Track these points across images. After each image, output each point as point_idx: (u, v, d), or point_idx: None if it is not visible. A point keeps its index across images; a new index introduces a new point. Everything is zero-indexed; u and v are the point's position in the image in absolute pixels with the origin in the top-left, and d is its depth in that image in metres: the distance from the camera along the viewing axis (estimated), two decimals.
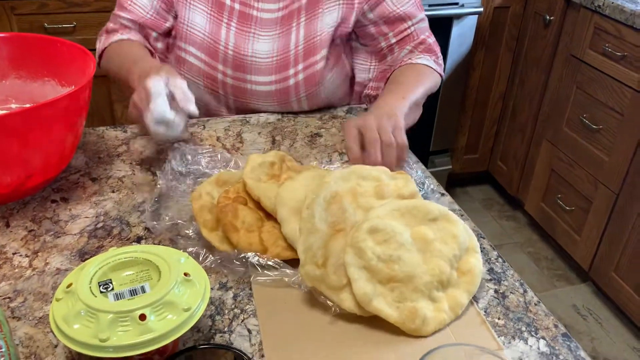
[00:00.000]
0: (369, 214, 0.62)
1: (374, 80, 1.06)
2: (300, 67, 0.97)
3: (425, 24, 1.04)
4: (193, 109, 0.77)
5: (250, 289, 0.63)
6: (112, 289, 0.50)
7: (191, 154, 0.84)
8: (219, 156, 0.84)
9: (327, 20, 0.97)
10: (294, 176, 0.74)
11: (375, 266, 0.59)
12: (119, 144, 0.90)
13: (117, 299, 0.49)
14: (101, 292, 0.49)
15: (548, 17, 1.94)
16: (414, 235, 0.62)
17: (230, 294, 0.62)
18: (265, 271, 0.64)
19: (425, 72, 1.00)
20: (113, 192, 0.79)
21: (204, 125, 0.97)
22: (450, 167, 2.31)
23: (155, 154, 0.88)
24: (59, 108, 0.69)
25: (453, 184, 2.45)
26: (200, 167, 0.82)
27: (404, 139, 0.79)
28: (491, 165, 2.41)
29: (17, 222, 0.72)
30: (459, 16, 1.97)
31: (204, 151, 0.84)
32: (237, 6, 0.96)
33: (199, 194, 0.72)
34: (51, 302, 0.59)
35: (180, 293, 0.50)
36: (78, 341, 0.46)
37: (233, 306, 0.61)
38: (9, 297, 0.61)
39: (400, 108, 0.86)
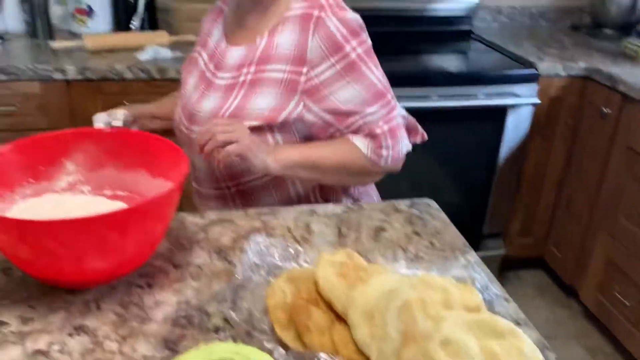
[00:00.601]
0: (439, 326, 0.65)
1: None
2: (252, 69, 1.06)
3: (378, 115, 1.05)
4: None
5: None
6: None
7: (265, 246, 0.89)
8: (291, 249, 0.89)
9: (259, 102, 1.04)
10: (364, 278, 0.78)
11: None
12: (197, 230, 0.96)
13: None
14: None
15: (605, 110, 1.97)
16: (483, 349, 0.64)
17: None
18: None
19: (350, 150, 1.05)
20: (193, 279, 0.84)
21: (274, 215, 1.03)
22: (503, 251, 2.29)
23: (231, 242, 0.94)
24: (156, 204, 0.76)
25: (506, 268, 2.42)
26: (274, 260, 0.87)
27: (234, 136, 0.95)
28: (545, 251, 2.38)
29: (107, 306, 0.78)
30: (515, 106, 2.02)
31: (277, 244, 0.89)
32: (208, 74, 1.12)
33: (272, 291, 0.77)
34: None
35: None
36: None
37: None
38: None
39: (283, 149, 1.02)
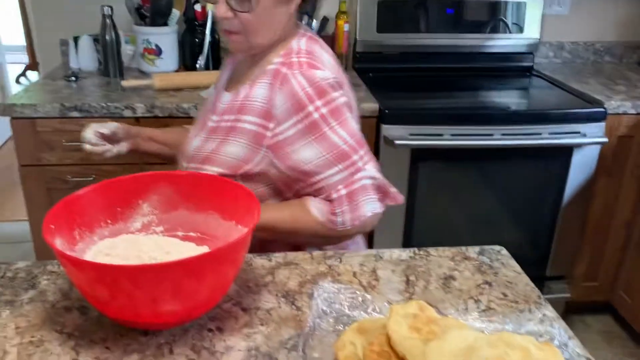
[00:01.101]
0: None
1: None
2: (230, 117, 1.08)
3: (338, 177, 1.04)
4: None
5: None
6: None
7: (332, 292, 0.88)
8: (359, 298, 0.88)
9: (230, 150, 1.06)
10: (438, 332, 0.76)
11: None
12: (265, 273, 0.97)
13: None
14: None
15: None
16: None
17: None
18: None
19: (303, 214, 1.05)
20: (262, 325, 0.84)
21: (340, 259, 1.02)
22: (568, 294, 2.20)
23: (298, 287, 0.93)
24: (232, 248, 0.77)
25: (570, 312, 2.31)
26: (342, 308, 0.86)
27: None
28: (613, 296, 2.27)
29: (180, 350, 0.79)
30: (581, 145, 1.95)
31: (345, 291, 0.88)
32: (206, 116, 1.16)
33: (342, 343, 0.76)
34: None
35: None
36: None
37: None
38: None
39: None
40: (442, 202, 2.02)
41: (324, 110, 1.02)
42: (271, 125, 1.03)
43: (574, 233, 2.13)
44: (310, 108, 1.02)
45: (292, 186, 1.08)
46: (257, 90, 1.05)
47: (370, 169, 1.08)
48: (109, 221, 0.93)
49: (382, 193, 1.11)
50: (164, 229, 0.97)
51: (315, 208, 1.05)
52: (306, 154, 1.03)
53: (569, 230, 2.11)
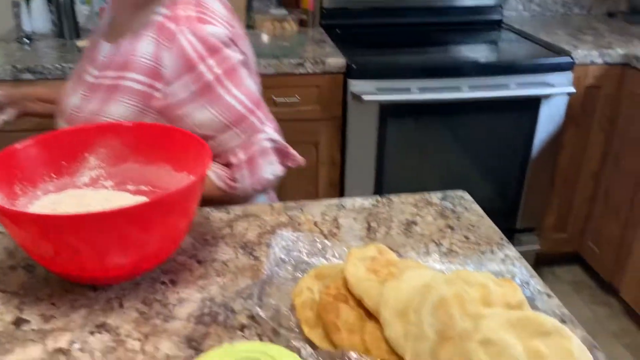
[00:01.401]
0: (479, 324, 0.60)
1: None
2: (112, 74, 0.99)
3: (236, 141, 0.99)
4: None
5: None
6: None
7: (291, 240, 0.86)
8: (318, 244, 0.85)
9: (117, 111, 0.97)
10: (396, 273, 0.74)
11: None
12: (223, 225, 0.94)
13: None
14: None
15: None
16: (527, 349, 0.59)
17: None
18: None
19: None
20: (218, 276, 0.81)
21: (301, 209, 0.99)
22: (538, 246, 2.22)
23: (257, 238, 0.90)
24: (179, 197, 0.73)
25: (540, 264, 2.34)
26: (301, 255, 0.84)
27: None
28: (581, 246, 2.30)
29: (130, 303, 0.76)
30: (549, 96, 1.94)
31: (304, 239, 0.86)
32: (81, 68, 1.07)
33: (299, 289, 0.73)
34: None
35: None
36: None
37: None
38: None
39: None
40: (412, 158, 2.00)
41: (217, 70, 0.95)
42: (160, 85, 0.95)
43: (543, 185, 2.13)
44: (202, 68, 0.93)
45: None
46: (142, 46, 0.96)
47: (269, 131, 1.03)
48: (54, 175, 0.88)
49: (283, 155, 1.06)
50: (114, 183, 0.92)
51: (214, 174, 1.00)
52: (200, 117, 0.96)
53: (538, 182, 2.11)
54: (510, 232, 2.17)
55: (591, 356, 0.63)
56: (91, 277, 0.76)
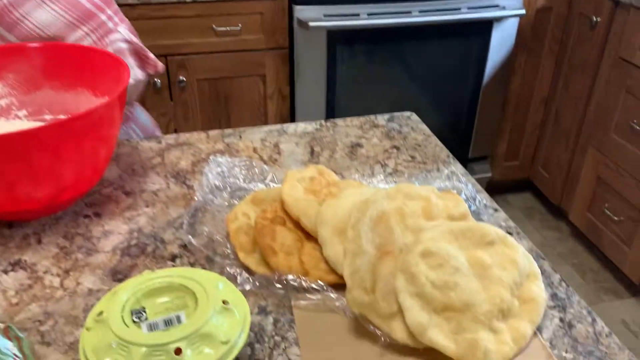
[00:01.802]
0: (420, 236, 0.57)
1: None
2: None
3: (87, 41, 0.88)
4: None
5: (292, 314, 0.59)
6: (146, 318, 0.46)
7: (227, 166, 0.80)
8: (256, 169, 0.80)
9: None
10: (336, 193, 0.70)
11: (429, 293, 0.53)
12: (153, 155, 0.87)
13: (151, 330, 0.45)
14: (134, 321, 0.46)
15: (595, 19, 1.86)
16: (470, 259, 0.56)
17: (270, 319, 0.58)
18: (307, 294, 0.60)
19: None
20: (147, 206, 0.75)
21: (240, 136, 0.93)
22: (490, 174, 2.23)
23: (190, 166, 0.84)
24: (93, 120, 0.66)
25: (492, 191, 2.36)
26: (237, 181, 0.79)
27: None
28: (532, 173, 2.32)
29: (49, 239, 0.69)
30: (500, 19, 1.89)
31: (240, 164, 0.80)
32: None
33: (234, 215, 0.68)
34: (81, 325, 0.56)
35: (219, 323, 0.46)
36: None
37: (273, 333, 0.56)
38: (39, 320, 0.58)
39: None
40: (363, 87, 1.94)
41: None
42: None
43: (495, 112, 2.12)
44: None
45: None
46: None
47: (123, 31, 0.92)
48: None
49: (141, 59, 0.96)
50: (28, 112, 0.84)
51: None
52: (41, 17, 0.84)
53: (490, 109, 2.10)
54: (463, 162, 2.17)
55: (536, 265, 0.61)
56: (2, 212, 0.68)
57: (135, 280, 0.50)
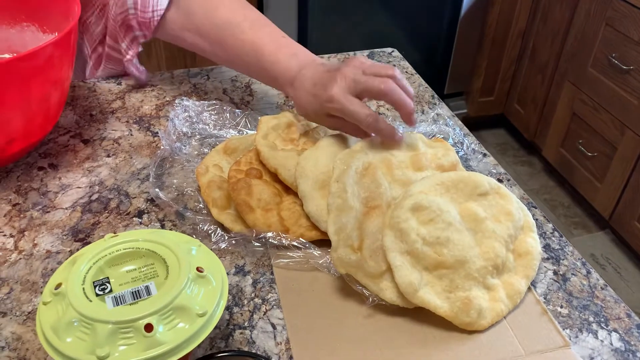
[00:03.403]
0: (409, 189, 0.52)
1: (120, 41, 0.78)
2: None
3: None
4: None
5: (272, 273, 0.55)
6: (110, 290, 0.41)
7: (195, 111, 0.73)
8: (227, 114, 0.73)
9: None
10: (317, 142, 0.64)
11: (420, 250, 0.50)
12: (113, 98, 0.79)
13: (117, 304, 0.40)
14: (97, 294, 0.41)
15: None
16: (463, 213, 0.52)
17: (249, 279, 0.54)
18: (288, 252, 0.56)
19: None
20: (108, 156, 0.69)
21: (207, 76, 0.86)
22: (465, 110, 2.20)
23: (154, 111, 0.77)
24: (40, 60, 0.58)
25: (467, 127, 2.34)
26: (207, 127, 0.72)
27: (395, 71, 0.58)
28: (507, 108, 2.30)
29: (0, 195, 0.63)
30: None
31: (209, 108, 0.74)
32: None
33: (205, 167, 0.62)
34: (40, 292, 0.51)
35: (193, 294, 0.41)
36: (72, 358, 0.38)
37: (253, 295, 0.52)
38: None
39: (310, 53, 0.68)
40: (336, 20, 1.85)
41: None
42: None
43: (471, 47, 2.06)
44: None
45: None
46: None
47: None
48: None
49: None
50: None
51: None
52: None
53: (466, 44, 2.03)
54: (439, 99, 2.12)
55: (530, 215, 0.57)
56: None
57: (96, 245, 0.45)
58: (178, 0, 0.73)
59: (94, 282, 0.41)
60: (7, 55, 0.75)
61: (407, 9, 1.89)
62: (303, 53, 0.66)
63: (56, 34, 0.72)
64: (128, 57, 0.77)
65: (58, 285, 0.41)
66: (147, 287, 0.41)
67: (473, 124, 2.34)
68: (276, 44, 0.67)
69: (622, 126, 1.71)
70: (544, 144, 2.11)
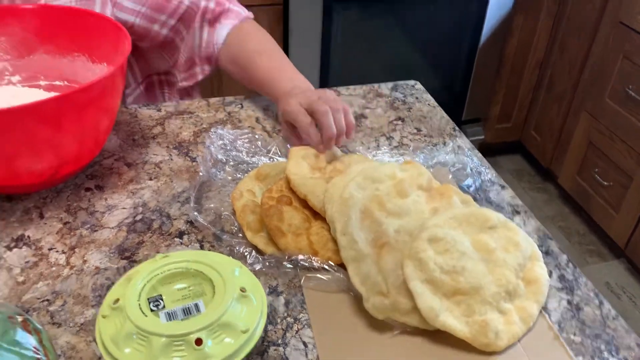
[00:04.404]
0: (424, 223, 0.57)
1: (181, 72, 0.95)
2: None
3: None
4: None
5: (302, 294, 0.59)
6: (164, 306, 0.46)
7: (230, 139, 0.78)
8: (259, 142, 0.78)
9: None
10: (342, 169, 0.69)
11: (438, 278, 0.54)
12: (153, 124, 0.85)
13: (170, 319, 0.44)
14: (151, 310, 0.45)
15: None
16: (475, 244, 0.56)
17: (282, 299, 0.58)
18: (317, 274, 0.60)
19: (256, 27, 0.93)
20: (150, 179, 0.74)
21: (241, 104, 0.91)
22: (482, 137, 2.23)
23: (192, 137, 0.82)
24: (94, 92, 0.64)
25: (483, 153, 2.37)
26: (240, 154, 0.77)
27: (345, 107, 0.74)
28: (524, 135, 2.33)
29: (52, 213, 0.68)
30: None
31: (243, 136, 0.79)
32: None
33: (239, 192, 0.67)
34: (91, 305, 0.56)
35: (237, 312, 0.46)
36: None
37: (285, 314, 0.57)
38: (47, 300, 0.57)
39: (306, 80, 0.84)
40: (358, 48, 1.90)
41: None
42: None
43: (490, 75, 2.10)
44: None
45: (151, 31, 0.87)
46: None
47: None
48: None
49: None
50: (22, 78, 0.80)
51: (230, 22, 0.89)
52: None
53: (485, 72, 2.08)
54: (457, 124, 2.16)
55: (535, 245, 0.61)
56: (3, 185, 0.67)
57: (149, 265, 0.49)
58: None
59: (148, 299, 0.46)
60: (58, 83, 0.81)
61: (428, 38, 1.95)
62: (299, 79, 0.83)
63: (105, 64, 0.78)
64: (184, 84, 0.94)
65: (116, 301, 0.46)
66: (196, 305, 0.46)
67: (490, 150, 2.38)
68: (283, 70, 0.85)
69: (638, 157, 1.74)
70: (560, 171, 2.13)
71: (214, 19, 0.90)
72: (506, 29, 2.00)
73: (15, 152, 0.62)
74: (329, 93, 0.75)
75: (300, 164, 0.68)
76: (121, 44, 0.71)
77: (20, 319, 0.41)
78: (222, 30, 0.89)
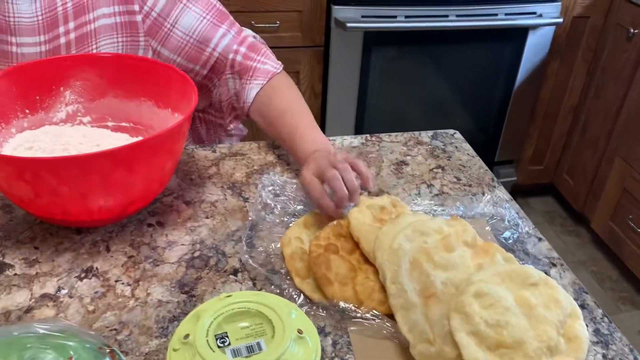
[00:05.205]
0: (470, 278, 0.60)
1: (225, 117, 1.02)
2: (71, 25, 0.86)
3: (228, 38, 0.92)
4: None
5: (348, 336, 0.63)
6: (229, 343, 0.50)
7: (279, 185, 0.83)
8: None
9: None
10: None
11: (483, 331, 0.57)
12: (209, 164, 0.91)
13: (235, 356, 0.49)
14: (218, 346, 0.50)
15: (632, 30, 1.85)
16: (517, 300, 0.60)
17: (329, 340, 0.62)
18: (363, 320, 0.64)
19: (284, 84, 0.94)
20: (207, 217, 0.79)
21: None
22: (515, 178, 2.25)
23: (244, 178, 0.88)
24: (165, 138, 0.70)
25: (515, 195, 2.39)
26: (288, 201, 0.82)
27: (356, 161, 0.77)
28: (556, 178, 2.34)
29: (117, 247, 0.74)
30: (536, 26, 1.90)
31: (292, 184, 0.83)
32: None
33: (288, 239, 0.72)
34: (155, 336, 0.61)
35: (295, 352, 0.50)
36: None
37: (333, 354, 0.61)
38: (115, 329, 0.62)
39: (326, 140, 0.87)
40: (395, 88, 1.97)
41: None
42: (136, 6, 0.87)
43: (523, 118, 2.13)
44: None
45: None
46: None
47: (245, 28, 0.99)
48: (27, 111, 0.83)
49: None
50: (92, 119, 0.88)
51: (259, 82, 0.93)
52: (188, 21, 0.89)
53: (519, 114, 2.11)
54: (490, 165, 2.18)
55: (575, 303, 0.64)
56: (75, 220, 0.73)
57: (214, 303, 0.54)
58: None
59: (215, 335, 0.51)
60: (124, 124, 0.88)
61: (463, 80, 2.00)
62: (320, 139, 0.86)
63: (169, 109, 0.84)
64: (231, 126, 1.01)
65: (186, 336, 0.51)
66: (258, 343, 0.50)
67: (521, 192, 2.39)
68: (306, 130, 0.87)
69: None
70: (593, 215, 2.13)
71: (241, 73, 0.94)
72: (541, 73, 2.04)
73: (91, 191, 0.68)
74: (339, 156, 0.78)
75: (364, 212, 0.72)
76: (187, 93, 0.78)
77: (107, 350, 0.46)
78: (251, 91, 0.93)
